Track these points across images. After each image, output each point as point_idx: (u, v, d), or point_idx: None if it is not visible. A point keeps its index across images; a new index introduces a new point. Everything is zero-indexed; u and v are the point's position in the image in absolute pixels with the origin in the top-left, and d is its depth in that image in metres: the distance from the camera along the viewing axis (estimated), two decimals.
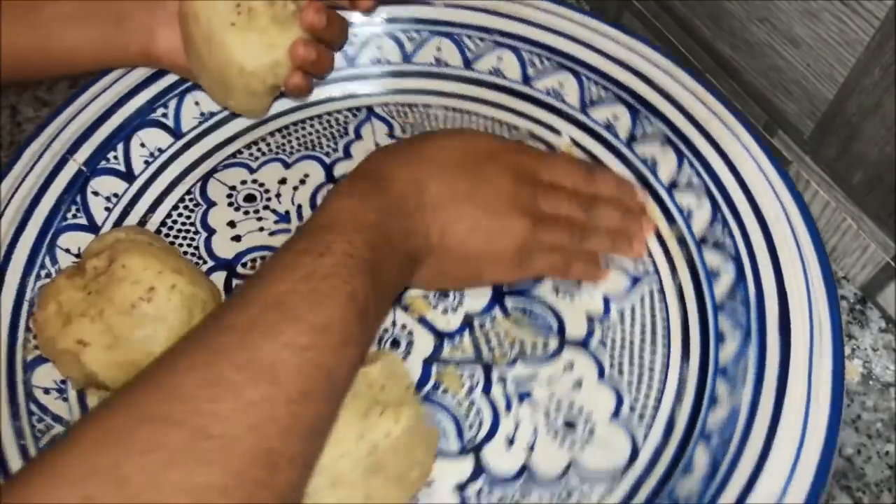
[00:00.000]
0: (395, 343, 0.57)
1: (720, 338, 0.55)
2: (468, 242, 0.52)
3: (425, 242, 0.51)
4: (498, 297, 0.59)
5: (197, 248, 0.61)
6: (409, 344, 0.57)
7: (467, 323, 0.57)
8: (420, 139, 0.55)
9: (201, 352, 0.38)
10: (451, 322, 0.58)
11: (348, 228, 0.45)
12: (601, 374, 0.55)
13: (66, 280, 0.53)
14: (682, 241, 0.60)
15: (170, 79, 0.67)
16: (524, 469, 0.52)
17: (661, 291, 0.59)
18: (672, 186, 0.62)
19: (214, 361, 0.37)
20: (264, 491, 0.36)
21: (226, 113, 0.67)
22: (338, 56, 0.70)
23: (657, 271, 0.59)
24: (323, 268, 0.42)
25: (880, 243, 0.57)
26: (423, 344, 0.57)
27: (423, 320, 0.58)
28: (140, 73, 0.66)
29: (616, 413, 0.54)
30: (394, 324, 0.57)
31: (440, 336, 0.57)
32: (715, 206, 0.60)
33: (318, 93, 0.70)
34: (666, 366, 0.55)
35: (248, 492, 0.35)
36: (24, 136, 0.64)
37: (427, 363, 0.56)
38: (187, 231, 0.62)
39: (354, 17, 0.70)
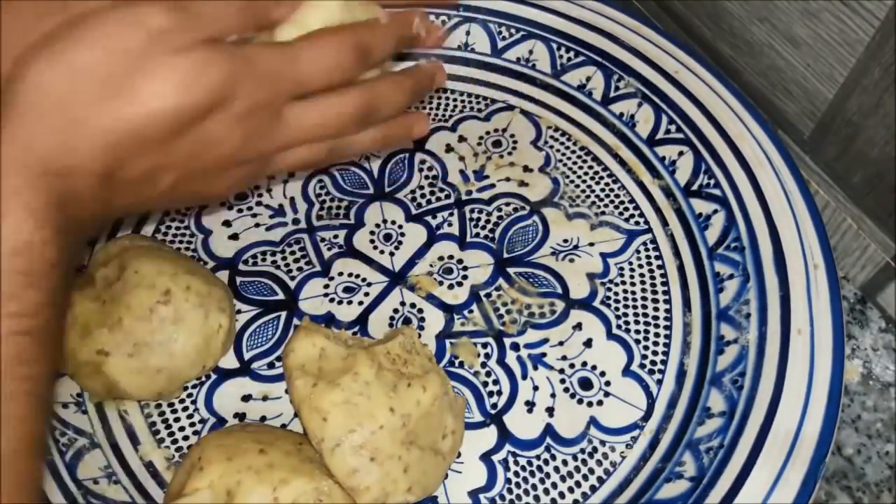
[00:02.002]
0: (407, 322, 0.57)
1: (718, 282, 0.57)
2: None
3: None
4: (500, 267, 0.60)
5: (195, 250, 0.61)
6: (421, 321, 0.57)
7: (474, 295, 0.58)
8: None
9: None
10: (458, 296, 0.58)
11: None
12: (609, 331, 0.57)
13: (77, 292, 0.53)
14: (668, 192, 0.62)
15: None
16: (546, 431, 0.53)
17: (655, 242, 0.60)
18: (652, 140, 0.64)
19: None
20: None
21: None
22: None
23: (648, 224, 0.61)
24: None
25: (880, 243, 0.57)
26: (435, 320, 0.57)
27: (430, 297, 0.58)
28: None
29: (628, 367, 0.55)
30: (403, 304, 0.58)
31: (450, 311, 0.58)
32: (697, 155, 0.61)
33: None
34: (669, 315, 0.57)
35: None
36: None
37: (440, 338, 0.57)
38: (183, 234, 0.62)
39: None
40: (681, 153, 0.62)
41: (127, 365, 0.51)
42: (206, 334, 0.54)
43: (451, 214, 0.62)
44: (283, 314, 0.58)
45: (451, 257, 0.60)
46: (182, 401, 0.55)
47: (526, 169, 0.65)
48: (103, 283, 0.53)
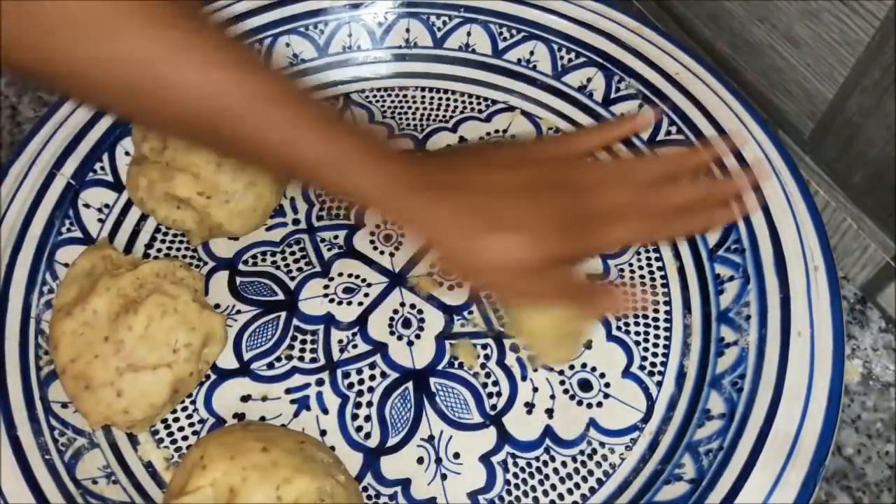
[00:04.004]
0: (407, 323, 0.57)
1: (718, 284, 0.57)
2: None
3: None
4: None
5: (195, 250, 0.61)
6: (421, 322, 0.57)
7: (474, 296, 0.58)
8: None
9: None
10: (458, 297, 0.58)
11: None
12: (608, 332, 0.57)
13: (136, 167, 0.60)
14: None
15: None
16: (546, 433, 0.53)
17: (654, 244, 0.60)
18: (652, 142, 0.64)
19: None
20: None
21: None
22: (309, 45, 0.70)
23: None
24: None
25: (880, 243, 0.57)
26: (434, 321, 0.57)
27: (430, 298, 0.58)
28: None
29: (627, 369, 0.55)
30: (402, 304, 0.58)
31: (450, 312, 0.58)
32: None
33: None
34: (669, 317, 0.57)
35: None
36: (24, 136, 0.63)
37: (440, 339, 0.57)
38: (183, 235, 0.62)
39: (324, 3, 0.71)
40: None
41: (227, 209, 0.58)
42: None
43: None
44: (283, 314, 0.58)
45: None
46: (181, 401, 0.55)
47: None
48: (154, 154, 0.59)
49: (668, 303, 0.58)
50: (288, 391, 0.55)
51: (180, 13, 0.39)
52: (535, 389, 0.54)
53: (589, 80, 0.67)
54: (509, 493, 0.51)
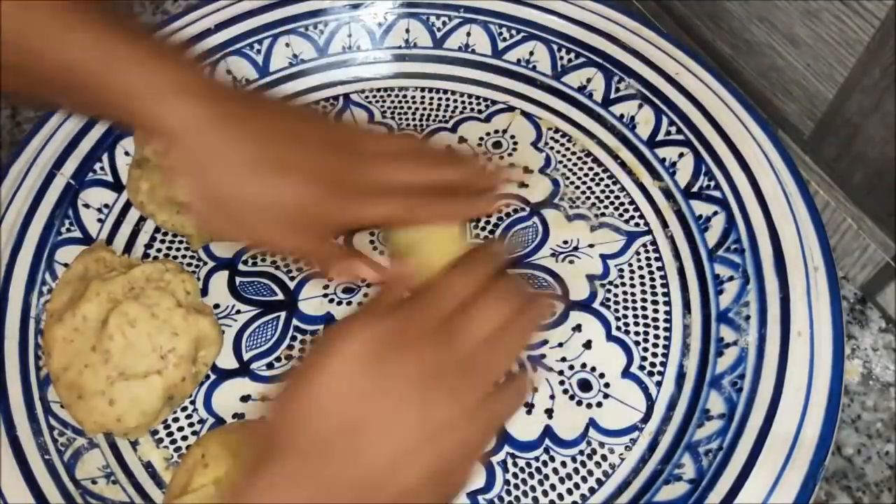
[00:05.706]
0: None
1: (718, 284, 0.57)
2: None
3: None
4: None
5: (195, 251, 0.61)
6: None
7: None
8: None
9: None
10: None
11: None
12: (608, 333, 0.57)
13: (136, 169, 0.60)
14: (668, 194, 0.62)
15: None
16: (545, 433, 0.53)
17: (655, 244, 0.60)
18: (652, 142, 0.64)
19: None
20: None
21: None
22: (309, 46, 0.70)
23: (648, 226, 0.61)
24: None
25: (880, 243, 0.57)
26: None
27: None
28: None
29: (627, 369, 0.55)
30: None
31: None
32: (697, 156, 0.62)
33: (293, 85, 0.70)
34: (669, 317, 0.57)
35: None
36: (24, 136, 0.63)
37: None
38: (183, 236, 0.62)
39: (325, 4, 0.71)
40: (681, 155, 0.62)
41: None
42: None
43: None
44: (283, 314, 0.58)
45: None
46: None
47: (526, 170, 0.64)
48: (157, 156, 0.60)
49: (667, 303, 0.58)
50: None
51: None
52: (535, 389, 0.54)
53: (589, 80, 0.67)
54: (509, 493, 0.51)
